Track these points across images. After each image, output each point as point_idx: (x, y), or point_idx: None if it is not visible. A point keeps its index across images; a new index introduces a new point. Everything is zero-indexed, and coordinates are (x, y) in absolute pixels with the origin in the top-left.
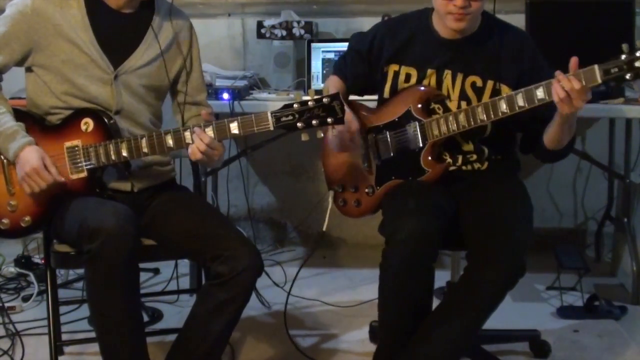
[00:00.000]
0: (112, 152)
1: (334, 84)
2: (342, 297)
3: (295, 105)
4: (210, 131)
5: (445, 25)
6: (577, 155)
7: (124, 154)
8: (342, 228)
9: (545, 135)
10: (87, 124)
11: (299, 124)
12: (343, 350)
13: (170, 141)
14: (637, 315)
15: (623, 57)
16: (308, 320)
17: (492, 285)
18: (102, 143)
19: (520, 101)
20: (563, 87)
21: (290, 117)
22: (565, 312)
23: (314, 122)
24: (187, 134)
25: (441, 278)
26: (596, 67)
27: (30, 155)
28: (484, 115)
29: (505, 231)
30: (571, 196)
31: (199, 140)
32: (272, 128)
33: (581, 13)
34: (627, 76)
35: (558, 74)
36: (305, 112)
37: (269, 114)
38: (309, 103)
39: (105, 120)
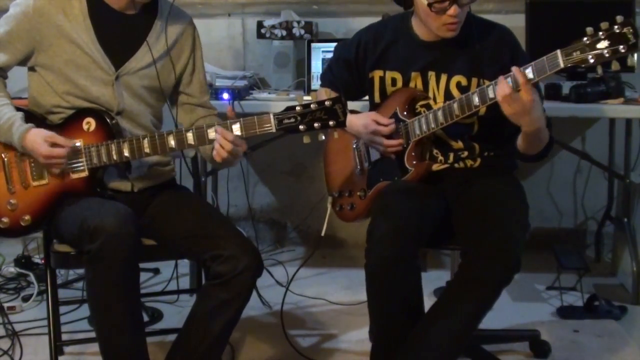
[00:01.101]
0: (113, 152)
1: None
2: (342, 297)
3: (297, 108)
4: (237, 129)
5: (428, 29)
6: (577, 155)
7: (126, 154)
8: (342, 228)
9: (517, 141)
10: (89, 123)
11: (301, 127)
12: (342, 350)
13: (172, 142)
14: (637, 315)
15: (585, 39)
16: (308, 320)
17: (488, 281)
18: (103, 143)
19: (491, 93)
20: (510, 82)
21: (293, 120)
22: (565, 312)
23: (316, 124)
24: (211, 132)
25: (441, 278)
26: (559, 51)
27: (34, 144)
28: (460, 111)
29: (500, 227)
30: (571, 196)
31: (223, 140)
32: (274, 130)
33: (581, 13)
34: (590, 58)
35: (514, 68)
36: (307, 115)
37: (272, 116)
38: (312, 106)
39: (108, 120)
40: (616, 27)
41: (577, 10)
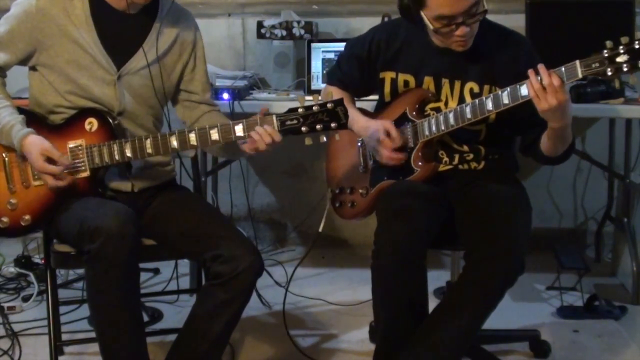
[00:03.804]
0: (116, 152)
1: (336, 96)
2: (342, 297)
3: (300, 110)
4: (240, 130)
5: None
6: (577, 155)
7: (128, 154)
8: (342, 228)
9: (541, 143)
10: (92, 123)
11: (303, 128)
12: (343, 350)
13: (174, 142)
14: (637, 315)
15: (605, 52)
16: (308, 320)
17: (492, 283)
18: (105, 143)
19: (505, 99)
20: (541, 79)
21: (295, 121)
22: (565, 312)
23: (318, 126)
24: (214, 133)
25: (441, 278)
26: (577, 62)
27: (30, 155)
28: (472, 115)
29: (503, 229)
30: (571, 196)
31: (267, 136)
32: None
33: (581, 13)
34: (608, 71)
35: (540, 66)
36: (309, 117)
37: (274, 118)
38: (314, 108)
39: (110, 120)
40: (637, 42)
41: (577, 10)
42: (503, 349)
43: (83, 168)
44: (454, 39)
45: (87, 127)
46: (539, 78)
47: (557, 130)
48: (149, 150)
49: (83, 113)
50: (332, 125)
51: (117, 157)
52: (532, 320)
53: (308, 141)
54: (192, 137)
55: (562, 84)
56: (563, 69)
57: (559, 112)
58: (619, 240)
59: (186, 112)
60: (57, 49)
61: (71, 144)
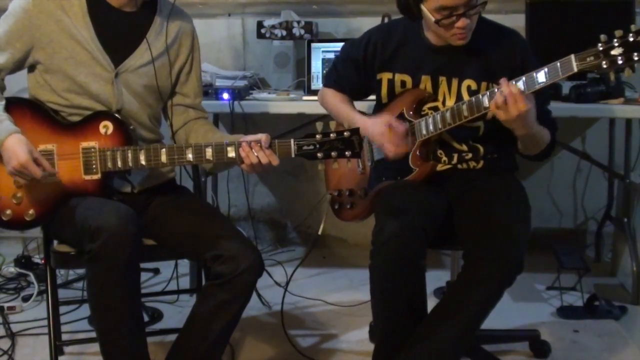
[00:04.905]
0: (129, 160)
1: (333, 97)
2: (342, 297)
3: (317, 136)
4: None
5: (437, 35)
6: (577, 155)
7: (142, 162)
8: (342, 228)
9: (518, 141)
10: (107, 127)
11: (318, 154)
12: (343, 350)
13: (189, 155)
14: (637, 315)
15: (599, 45)
16: (308, 320)
17: (490, 282)
18: (119, 148)
19: None
20: (502, 92)
21: (312, 147)
22: (565, 312)
23: (333, 153)
24: (231, 150)
25: (441, 278)
26: (572, 56)
27: (17, 148)
28: (468, 112)
29: (502, 228)
30: (571, 196)
31: (266, 158)
32: (293, 155)
33: (581, 13)
34: (603, 64)
35: (502, 80)
36: (326, 143)
37: (292, 142)
38: (331, 135)
39: (126, 126)
40: (630, 35)
41: (577, 10)
42: (503, 349)
43: (95, 170)
44: (454, 31)
45: (101, 130)
46: (501, 91)
47: (521, 137)
48: (164, 161)
49: (98, 115)
50: (347, 153)
51: (130, 164)
52: (532, 320)
53: (321, 166)
54: (209, 151)
55: (521, 93)
56: (558, 63)
57: (520, 122)
58: (619, 240)
59: (175, 115)
60: (55, 46)
61: (84, 145)
